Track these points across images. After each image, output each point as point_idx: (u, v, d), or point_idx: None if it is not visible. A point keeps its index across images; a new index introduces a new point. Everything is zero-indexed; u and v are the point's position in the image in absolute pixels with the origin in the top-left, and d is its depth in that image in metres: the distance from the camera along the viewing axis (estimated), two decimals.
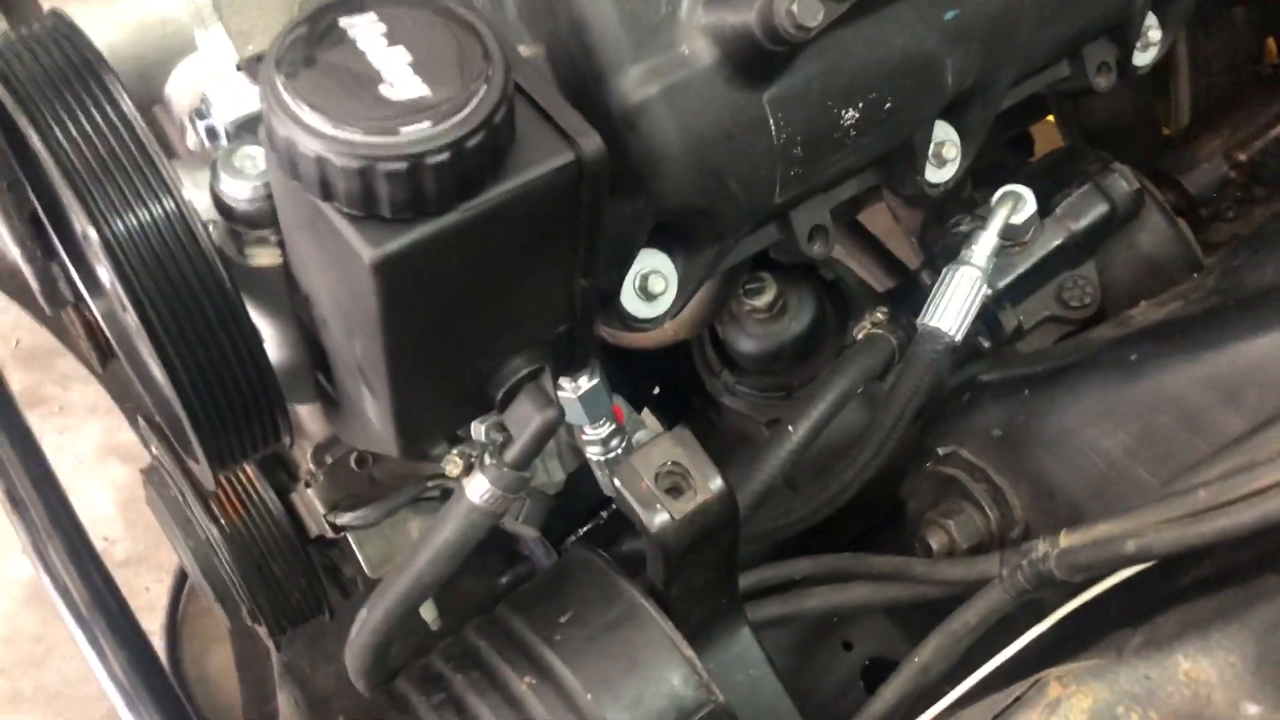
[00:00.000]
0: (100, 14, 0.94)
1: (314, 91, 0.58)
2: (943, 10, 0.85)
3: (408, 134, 0.57)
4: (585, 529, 1.39)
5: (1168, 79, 1.47)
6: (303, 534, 1.12)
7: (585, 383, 0.92)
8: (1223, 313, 0.82)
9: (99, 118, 0.69)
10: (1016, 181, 1.08)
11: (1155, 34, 1.06)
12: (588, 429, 0.97)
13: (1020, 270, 1.10)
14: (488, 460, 0.76)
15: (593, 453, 0.99)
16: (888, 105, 0.85)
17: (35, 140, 0.68)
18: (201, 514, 1.09)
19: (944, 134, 0.95)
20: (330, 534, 1.09)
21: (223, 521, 1.09)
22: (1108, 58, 1.02)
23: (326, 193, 0.59)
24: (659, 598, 0.81)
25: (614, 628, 0.79)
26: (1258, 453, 0.70)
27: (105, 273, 0.82)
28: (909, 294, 1.18)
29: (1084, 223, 1.11)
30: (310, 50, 0.60)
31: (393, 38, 0.60)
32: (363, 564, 1.11)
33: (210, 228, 0.71)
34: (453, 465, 0.77)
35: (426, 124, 0.57)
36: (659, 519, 0.77)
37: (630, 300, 0.85)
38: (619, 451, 1.00)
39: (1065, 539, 0.74)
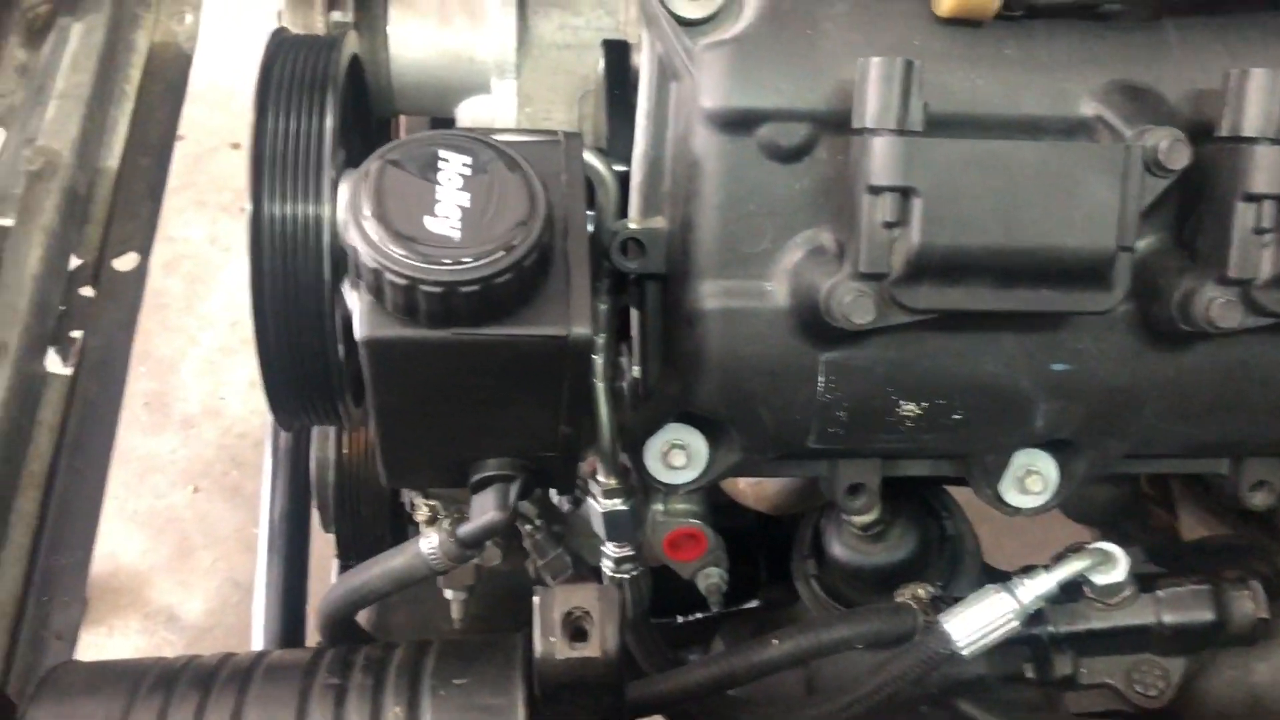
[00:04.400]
0: (428, 34, 1.13)
1: (381, 188, 0.71)
2: (1052, 360, 0.85)
3: (414, 259, 0.69)
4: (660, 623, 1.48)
5: None
6: (397, 497, 1.29)
7: (616, 504, 1.01)
8: None
9: (303, 123, 0.86)
10: (1168, 548, 1.03)
11: None
12: (608, 545, 1.06)
13: (1090, 626, 1.05)
14: (445, 524, 0.87)
15: (605, 565, 1.08)
16: (956, 416, 0.87)
17: (252, 118, 0.86)
18: (333, 434, 1.29)
19: (1039, 466, 0.94)
20: (408, 509, 1.25)
21: (345, 450, 1.28)
22: (1271, 478, 0.96)
23: (356, 273, 0.72)
24: (536, 713, 0.89)
25: (484, 713, 0.88)
26: None
27: None
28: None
29: (1180, 619, 1.03)
30: (409, 158, 0.73)
31: (467, 184, 0.72)
32: None
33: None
34: (421, 512, 0.89)
35: (437, 260, 0.69)
36: (544, 648, 0.85)
37: (652, 461, 0.92)
38: (628, 576, 1.08)
39: None
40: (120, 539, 2.25)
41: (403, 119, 1.46)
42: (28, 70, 1.96)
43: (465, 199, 0.72)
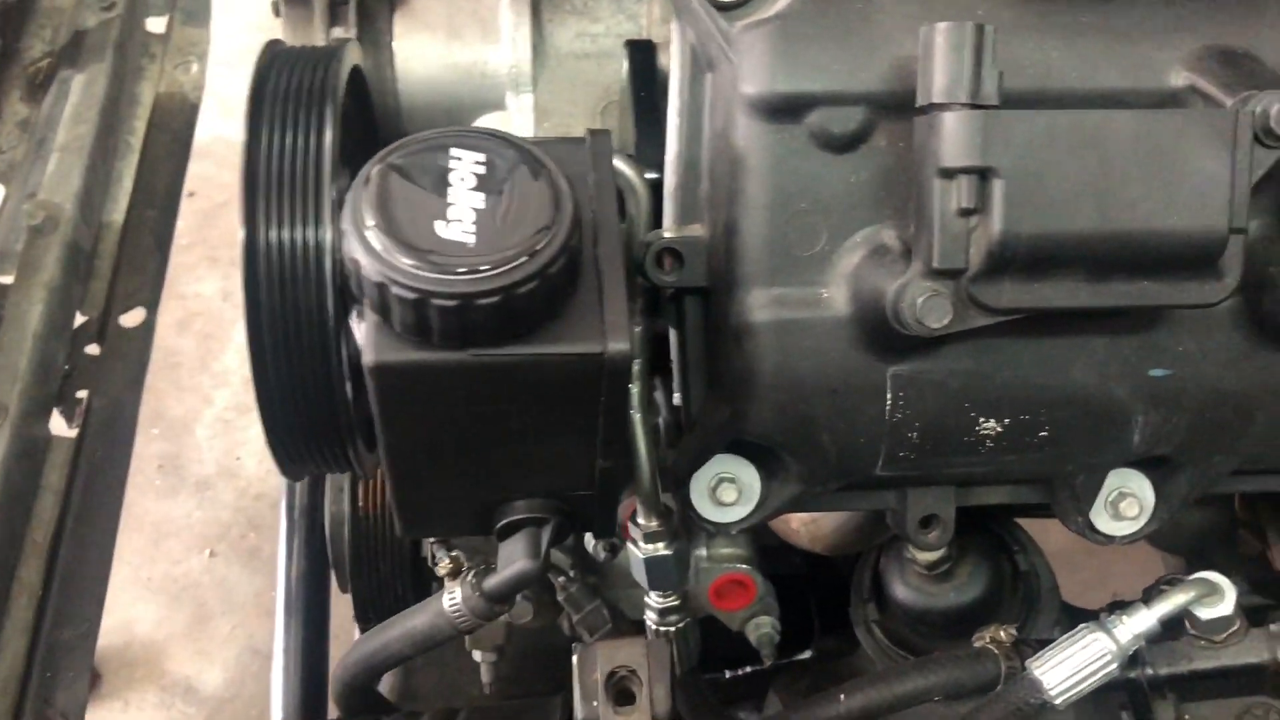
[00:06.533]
0: (437, 48, 1.06)
1: (384, 193, 0.62)
2: (1149, 365, 0.75)
3: (425, 271, 0.60)
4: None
5: None
6: (418, 551, 1.20)
7: (658, 549, 0.91)
8: None
9: (300, 139, 0.78)
10: (1264, 575, 0.93)
11: None
12: (651, 595, 0.96)
13: (1194, 667, 0.94)
14: (470, 578, 0.77)
15: (649, 618, 0.98)
16: (1043, 433, 0.77)
17: (245, 138, 0.78)
18: (346, 487, 1.20)
19: (1134, 488, 0.84)
20: (430, 563, 1.15)
21: (360, 504, 1.19)
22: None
23: (360, 290, 0.63)
24: None
25: None
26: None
27: None
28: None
29: None
30: (415, 159, 0.64)
31: (482, 184, 0.63)
32: None
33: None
34: (443, 565, 0.80)
35: (450, 270, 0.60)
36: (585, 714, 0.75)
37: (699, 498, 0.83)
38: (674, 629, 0.98)
39: None
40: (135, 608, 2.16)
41: None
42: (29, 125, 1.90)
43: (480, 201, 0.63)
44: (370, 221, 0.61)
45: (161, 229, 1.96)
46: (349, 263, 0.63)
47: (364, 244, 0.61)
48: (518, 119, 1.06)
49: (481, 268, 0.60)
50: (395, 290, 0.60)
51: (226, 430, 2.38)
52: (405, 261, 0.60)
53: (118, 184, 1.96)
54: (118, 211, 1.93)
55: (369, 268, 0.61)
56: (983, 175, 0.64)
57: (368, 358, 0.63)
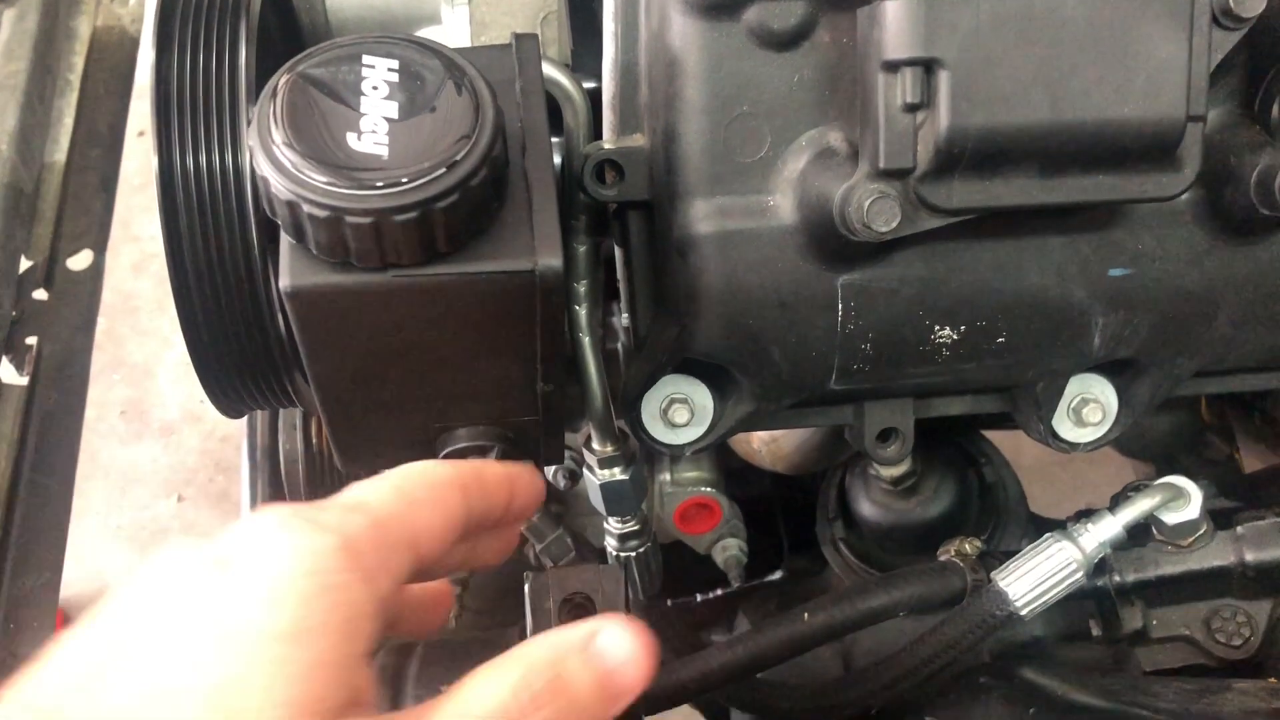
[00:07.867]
0: None
1: (292, 105, 0.58)
2: (1108, 264, 0.72)
3: (337, 186, 0.56)
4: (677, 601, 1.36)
5: None
6: None
7: (614, 474, 0.89)
8: None
9: (213, 58, 0.73)
10: (1232, 478, 0.91)
11: None
12: (610, 521, 0.94)
13: (1162, 572, 0.93)
14: None
15: (609, 544, 0.96)
16: (1000, 340, 0.74)
17: (153, 59, 0.73)
18: (299, 423, 1.16)
19: (1096, 393, 0.82)
20: None
21: (314, 440, 1.16)
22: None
23: (271, 210, 0.59)
24: None
25: None
26: None
27: None
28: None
29: (1264, 557, 0.91)
30: (325, 70, 0.60)
31: (396, 93, 0.59)
32: None
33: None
34: None
35: (364, 184, 0.56)
36: None
37: (651, 421, 0.80)
38: (635, 554, 0.96)
39: None
40: (105, 555, 2.14)
41: None
42: None
43: (394, 111, 0.59)
44: (278, 136, 0.58)
45: (106, 168, 1.90)
46: (259, 181, 0.59)
47: (272, 160, 0.57)
48: (454, 33, 1.01)
49: (399, 181, 0.57)
50: (307, 208, 0.57)
51: (188, 373, 2.32)
52: (315, 177, 0.56)
53: (58, 123, 1.90)
54: (59, 152, 1.87)
55: (278, 185, 0.57)
56: (927, 67, 0.61)
57: (283, 282, 0.59)
